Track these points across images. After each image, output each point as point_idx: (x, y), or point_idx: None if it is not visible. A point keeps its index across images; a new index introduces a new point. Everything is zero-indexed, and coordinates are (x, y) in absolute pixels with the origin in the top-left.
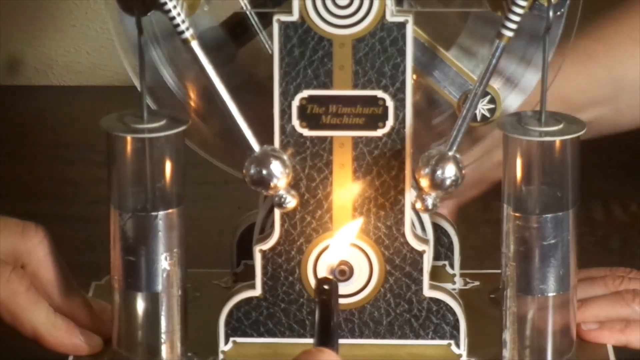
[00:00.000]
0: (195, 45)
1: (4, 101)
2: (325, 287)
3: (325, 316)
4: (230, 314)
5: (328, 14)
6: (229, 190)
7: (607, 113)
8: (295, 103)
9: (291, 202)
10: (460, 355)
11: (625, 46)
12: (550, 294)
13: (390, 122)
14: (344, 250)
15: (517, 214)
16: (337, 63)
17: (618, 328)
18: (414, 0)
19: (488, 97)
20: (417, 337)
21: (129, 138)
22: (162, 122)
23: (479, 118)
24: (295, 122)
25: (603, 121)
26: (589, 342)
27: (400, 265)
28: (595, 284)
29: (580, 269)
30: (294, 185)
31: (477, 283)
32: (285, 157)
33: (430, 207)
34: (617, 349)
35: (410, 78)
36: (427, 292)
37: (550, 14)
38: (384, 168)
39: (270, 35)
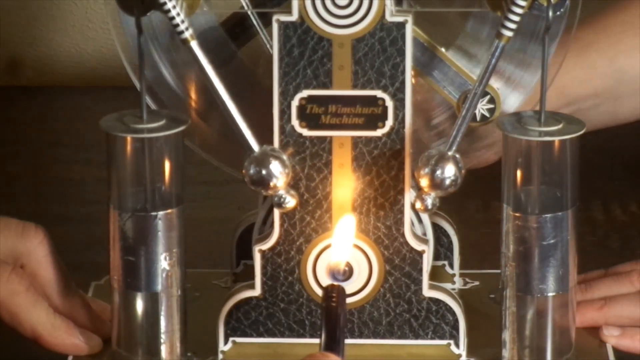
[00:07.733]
0: (195, 45)
1: (4, 101)
2: (333, 293)
3: (332, 322)
4: (229, 314)
5: (327, 14)
6: (229, 190)
7: (607, 104)
8: (294, 103)
9: (290, 202)
10: (459, 355)
11: (627, 37)
12: (550, 294)
13: (389, 122)
14: (347, 250)
15: (516, 214)
16: (337, 63)
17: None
18: (413, 0)
19: (487, 97)
20: (417, 337)
21: (128, 138)
22: (162, 122)
23: (478, 118)
24: (295, 122)
25: (602, 113)
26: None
27: (399, 265)
28: (620, 281)
29: (606, 268)
30: (293, 185)
31: (476, 283)
32: (284, 157)
33: (430, 207)
34: (617, 349)
35: (409, 78)
36: (427, 292)
37: (550, 13)
38: (384, 168)
39: (270, 35)
